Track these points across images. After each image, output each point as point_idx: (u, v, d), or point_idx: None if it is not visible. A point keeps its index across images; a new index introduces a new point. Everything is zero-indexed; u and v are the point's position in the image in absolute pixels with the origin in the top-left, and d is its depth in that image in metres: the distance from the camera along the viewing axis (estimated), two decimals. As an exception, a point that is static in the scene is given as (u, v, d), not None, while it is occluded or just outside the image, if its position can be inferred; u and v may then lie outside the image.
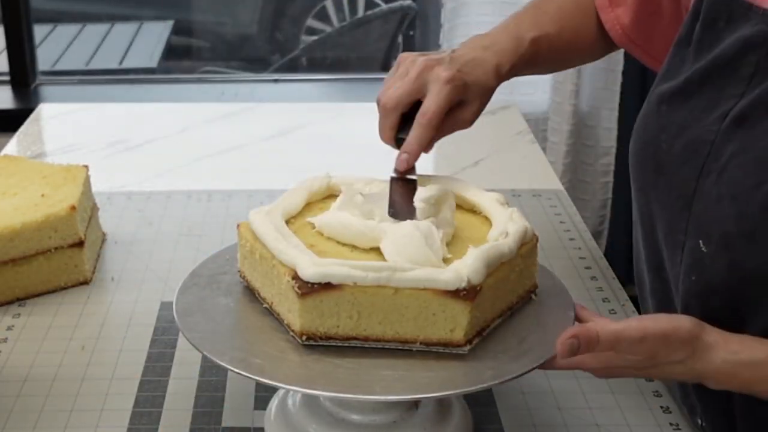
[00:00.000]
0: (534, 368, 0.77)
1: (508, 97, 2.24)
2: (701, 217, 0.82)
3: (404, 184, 0.91)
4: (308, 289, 0.77)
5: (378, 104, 0.96)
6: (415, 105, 0.95)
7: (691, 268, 0.84)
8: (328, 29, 3.65)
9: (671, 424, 0.89)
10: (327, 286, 0.77)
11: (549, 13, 1.08)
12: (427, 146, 0.95)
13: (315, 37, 3.61)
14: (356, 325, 0.79)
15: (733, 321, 0.80)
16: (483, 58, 0.99)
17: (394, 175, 0.93)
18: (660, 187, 0.88)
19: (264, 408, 0.89)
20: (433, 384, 0.76)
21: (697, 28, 0.87)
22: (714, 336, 0.76)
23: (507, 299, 0.84)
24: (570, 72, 2.22)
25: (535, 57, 1.04)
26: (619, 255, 2.36)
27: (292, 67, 3.46)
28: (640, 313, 1.04)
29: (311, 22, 3.69)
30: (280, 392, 0.89)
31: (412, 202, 0.87)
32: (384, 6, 3.52)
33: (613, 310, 1.09)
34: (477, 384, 0.76)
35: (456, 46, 1.04)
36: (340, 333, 0.79)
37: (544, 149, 2.01)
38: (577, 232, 1.28)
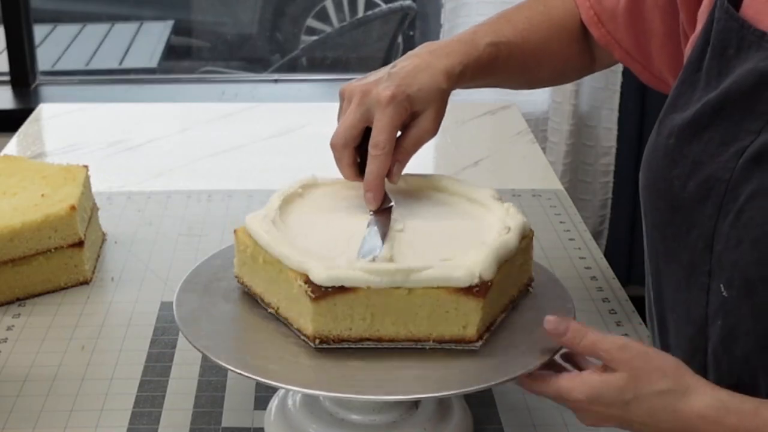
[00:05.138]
0: (534, 369, 0.77)
1: (508, 97, 2.25)
2: (722, 260, 0.78)
3: (383, 216, 0.89)
4: (321, 293, 0.77)
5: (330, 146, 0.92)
6: (368, 133, 0.91)
7: (717, 313, 0.79)
8: (328, 29, 3.65)
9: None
10: (340, 290, 0.77)
11: (513, 22, 1.04)
12: (392, 175, 0.91)
13: (315, 37, 3.61)
14: (369, 327, 0.79)
15: (760, 375, 0.76)
16: (428, 63, 0.93)
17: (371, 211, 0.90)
18: (677, 224, 0.83)
19: (264, 408, 0.89)
20: (433, 384, 0.76)
21: (708, 55, 0.82)
22: (699, 380, 0.73)
23: (510, 293, 0.86)
24: (570, 72, 2.22)
25: (494, 63, 0.99)
26: (619, 255, 2.36)
27: (292, 67, 3.46)
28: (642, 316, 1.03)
29: (311, 22, 3.69)
30: (280, 392, 0.89)
31: (386, 229, 0.86)
32: (384, 6, 3.52)
33: (612, 310, 1.09)
34: (477, 384, 0.76)
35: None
36: (353, 335, 0.79)
37: (544, 149, 2.01)
38: (577, 232, 1.28)
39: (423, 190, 0.96)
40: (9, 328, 1.04)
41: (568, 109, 2.26)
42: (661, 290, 0.88)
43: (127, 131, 1.66)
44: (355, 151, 0.92)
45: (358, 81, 0.93)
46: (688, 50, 0.87)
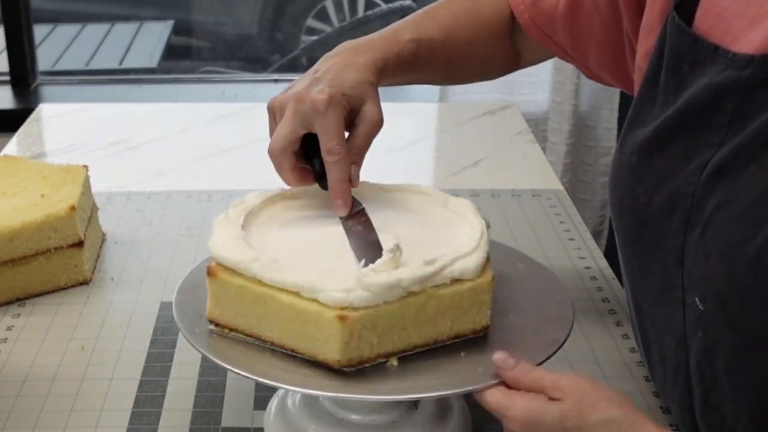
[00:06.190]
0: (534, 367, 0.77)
1: (508, 97, 2.25)
2: (693, 274, 0.77)
3: (355, 220, 0.87)
4: (347, 315, 0.74)
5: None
6: (308, 137, 0.89)
7: (696, 326, 0.78)
8: (328, 29, 3.65)
9: (671, 424, 0.89)
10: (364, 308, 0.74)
11: (438, 18, 1.03)
12: (352, 179, 0.89)
13: (315, 37, 3.62)
14: (398, 340, 0.77)
15: (744, 386, 0.75)
16: (351, 60, 0.93)
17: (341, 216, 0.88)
18: (647, 240, 0.83)
19: (264, 408, 0.90)
20: (433, 384, 0.76)
21: (663, 70, 0.82)
22: (646, 418, 0.71)
23: None
24: (570, 72, 2.22)
25: (415, 59, 0.99)
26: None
27: (292, 67, 3.46)
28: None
29: (311, 22, 3.69)
30: (280, 392, 0.89)
31: (371, 232, 0.85)
32: (384, 6, 3.52)
33: (612, 310, 1.09)
34: (477, 384, 0.76)
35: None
36: (375, 353, 0.77)
37: (544, 149, 2.01)
38: (577, 232, 1.28)
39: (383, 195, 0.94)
40: (9, 328, 1.04)
41: (568, 109, 2.26)
42: (639, 304, 0.88)
43: (127, 131, 1.66)
44: (294, 156, 0.90)
45: (284, 93, 0.92)
46: (642, 66, 0.87)
